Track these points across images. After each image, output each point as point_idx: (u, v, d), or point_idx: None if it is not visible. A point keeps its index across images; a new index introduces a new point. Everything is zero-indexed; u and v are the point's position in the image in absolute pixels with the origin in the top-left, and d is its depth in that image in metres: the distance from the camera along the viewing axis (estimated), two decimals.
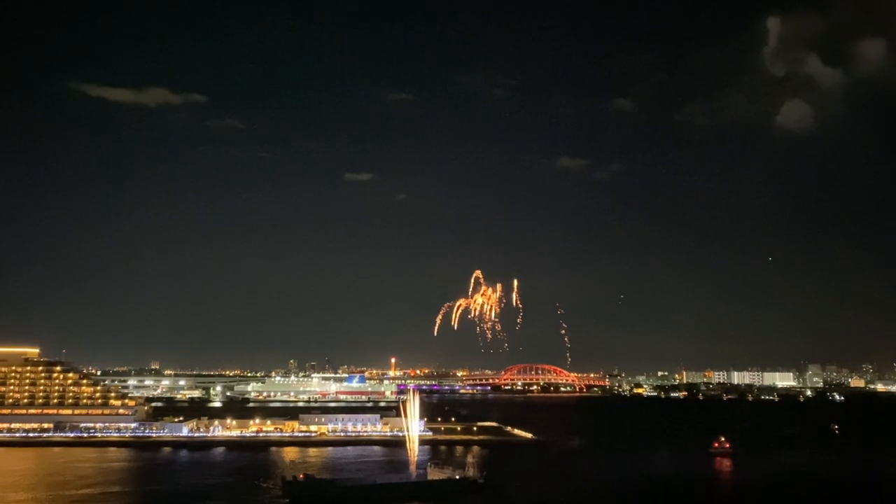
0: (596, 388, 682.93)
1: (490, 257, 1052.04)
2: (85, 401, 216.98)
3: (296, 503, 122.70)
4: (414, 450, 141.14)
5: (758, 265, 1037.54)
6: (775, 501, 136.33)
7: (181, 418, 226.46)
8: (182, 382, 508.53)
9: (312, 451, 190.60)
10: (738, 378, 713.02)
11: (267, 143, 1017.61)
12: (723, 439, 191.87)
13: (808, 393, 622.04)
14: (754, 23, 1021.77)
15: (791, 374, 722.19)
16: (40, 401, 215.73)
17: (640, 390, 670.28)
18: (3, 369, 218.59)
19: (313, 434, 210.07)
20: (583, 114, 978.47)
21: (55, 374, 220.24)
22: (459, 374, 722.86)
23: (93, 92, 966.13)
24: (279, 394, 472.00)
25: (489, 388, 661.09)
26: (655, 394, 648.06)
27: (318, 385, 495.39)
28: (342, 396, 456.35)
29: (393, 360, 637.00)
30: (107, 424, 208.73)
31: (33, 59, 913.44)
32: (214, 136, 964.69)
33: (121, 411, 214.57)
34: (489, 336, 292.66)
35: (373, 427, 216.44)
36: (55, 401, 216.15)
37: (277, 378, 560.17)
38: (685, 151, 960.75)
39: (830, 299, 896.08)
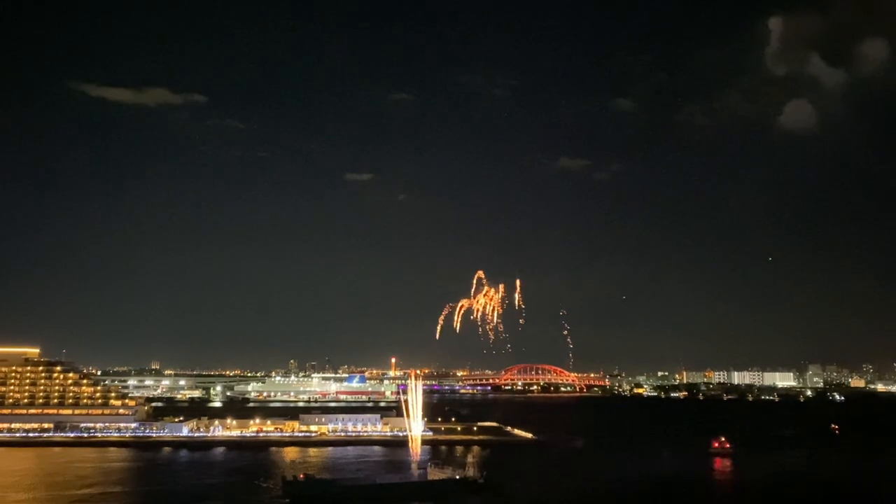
0: (596, 388, 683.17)
1: (490, 257, 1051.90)
2: (85, 401, 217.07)
3: (296, 503, 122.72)
4: (416, 449, 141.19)
5: (758, 265, 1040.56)
6: (775, 501, 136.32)
7: (181, 418, 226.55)
8: (182, 382, 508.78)
9: (312, 451, 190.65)
10: (739, 378, 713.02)
11: (267, 143, 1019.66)
12: (723, 439, 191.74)
13: (809, 393, 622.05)
14: (754, 23, 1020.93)
15: (791, 374, 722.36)
16: (40, 401, 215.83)
17: (640, 390, 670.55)
18: (4, 369, 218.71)
19: (313, 434, 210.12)
20: (583, 114, 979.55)
21: (55, 374, 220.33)
22: (459, 374, 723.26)
23: (93, 92, 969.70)
24: (279, 394, 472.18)
25: (489, 388, 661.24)
26: (655, 394, 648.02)
27: (318, 385, 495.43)
28: (342, 396, 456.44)
29: (393, 361, 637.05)
30: (107, 424, 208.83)
31: (33, 59, 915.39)
32: (214, 136, 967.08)
33: (121, 411, 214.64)
34: (492, 337, 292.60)
35: (373, 427, 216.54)
36: (55, 401, 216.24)
37: (277, 378, 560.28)
38: (685, 151, 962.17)
39: (830, 299, 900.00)
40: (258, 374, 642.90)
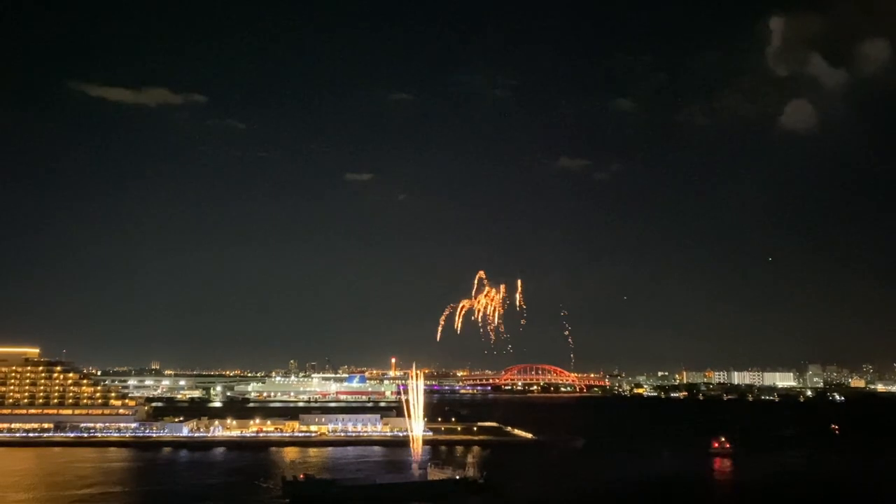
0: (596, 389, 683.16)
1: (490, 257, 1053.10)
2: (85, 401, 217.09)
3: (296, 503, 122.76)
4: (418, 449, 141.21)
5: (758, 265, 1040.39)
6: (775, 501, 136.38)
7: (181, 418, 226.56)
8: (182, 382, 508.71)
9: (312, 451, 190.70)
10: (739, 378, 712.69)
11: (267, 143, 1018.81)
12: (723, 439, 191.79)
13: (809, 393, 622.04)
14: (755, 23, 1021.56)
15: (791, 374, 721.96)
16: (40, 401, 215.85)
17: (640, 390, 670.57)
18: (4, 369, 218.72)
19: (313, 434, 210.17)
20: (583, 114, 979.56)
21: (55, 374, 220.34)
22: (460, 374, 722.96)
23: (93, 92, 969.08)
24: (279, 394, 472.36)
25: (489, 388, 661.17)
26: (655, 394, 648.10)
27: (318, 385, 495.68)
28: (342, 396, 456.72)
29: (393, 361, 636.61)
30: (107, 424, 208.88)
31: (33, 59, 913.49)
32: (214, 136, 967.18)
33: (121, 411, 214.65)
34: (493, 337, 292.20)
35: (373, 427, 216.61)
36: (55, 401, 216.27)
37: (277, 378, 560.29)
38: (685, 151, 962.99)
39: (830, 299, 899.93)
40: (258, 375, 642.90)
